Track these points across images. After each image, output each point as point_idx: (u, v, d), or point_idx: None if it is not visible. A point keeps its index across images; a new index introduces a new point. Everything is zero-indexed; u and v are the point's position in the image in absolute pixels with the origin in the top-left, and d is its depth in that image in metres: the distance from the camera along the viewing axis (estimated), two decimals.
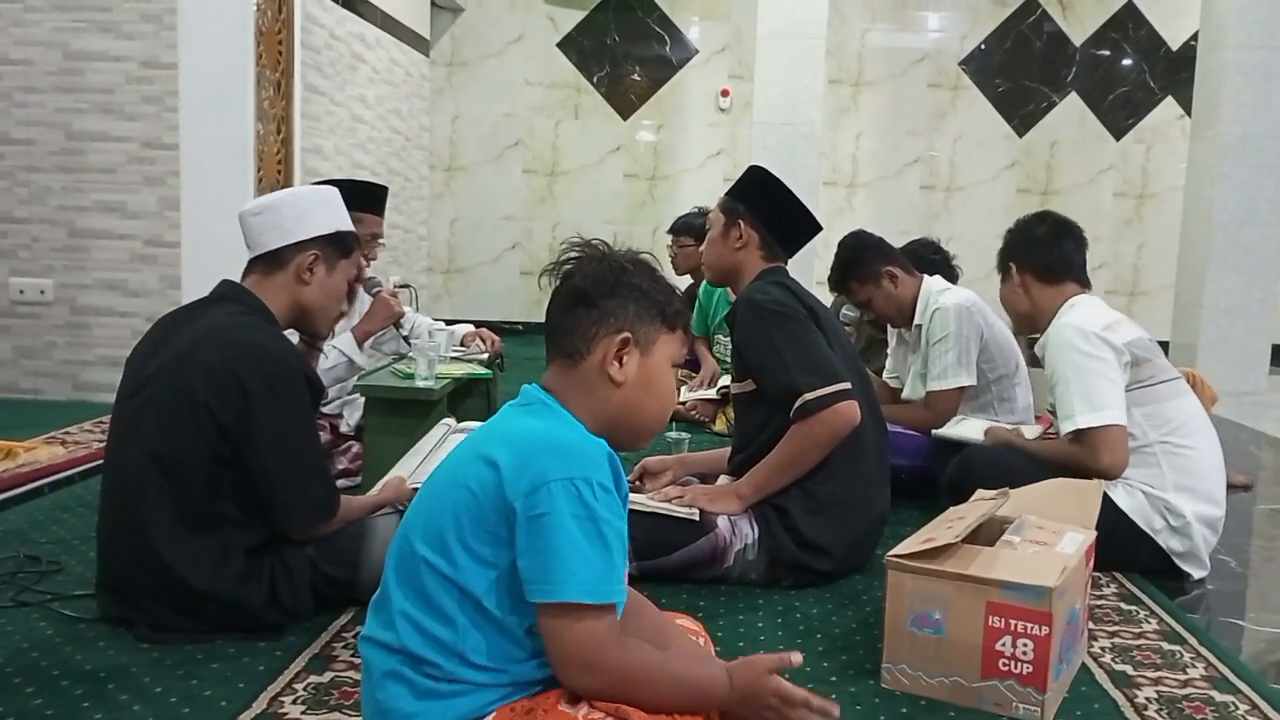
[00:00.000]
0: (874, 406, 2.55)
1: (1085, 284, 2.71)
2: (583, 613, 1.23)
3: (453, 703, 1.28)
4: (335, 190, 2.24)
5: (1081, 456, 2.45)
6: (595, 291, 1.38)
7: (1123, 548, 2.46)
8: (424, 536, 1.30)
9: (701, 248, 2.75)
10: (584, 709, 1.26)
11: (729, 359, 4.35)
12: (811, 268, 5.67)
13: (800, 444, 2.36)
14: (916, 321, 3.37)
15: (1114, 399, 2.44)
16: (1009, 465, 2.51)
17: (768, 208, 2.60)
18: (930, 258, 3.79)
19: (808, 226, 2.65)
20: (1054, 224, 2.75)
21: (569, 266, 1.41)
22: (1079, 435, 2.45)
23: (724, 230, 2.61)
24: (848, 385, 2.36)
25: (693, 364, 4.80)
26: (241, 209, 2.16)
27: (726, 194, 2.68)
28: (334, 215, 2.19)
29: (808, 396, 2.33)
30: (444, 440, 2.55)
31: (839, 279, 3.44)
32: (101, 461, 2.16)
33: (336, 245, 2.18)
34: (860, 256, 3.39)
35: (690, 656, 1.44)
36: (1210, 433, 2.60)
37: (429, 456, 2.43)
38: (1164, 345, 6.46)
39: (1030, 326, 2.79)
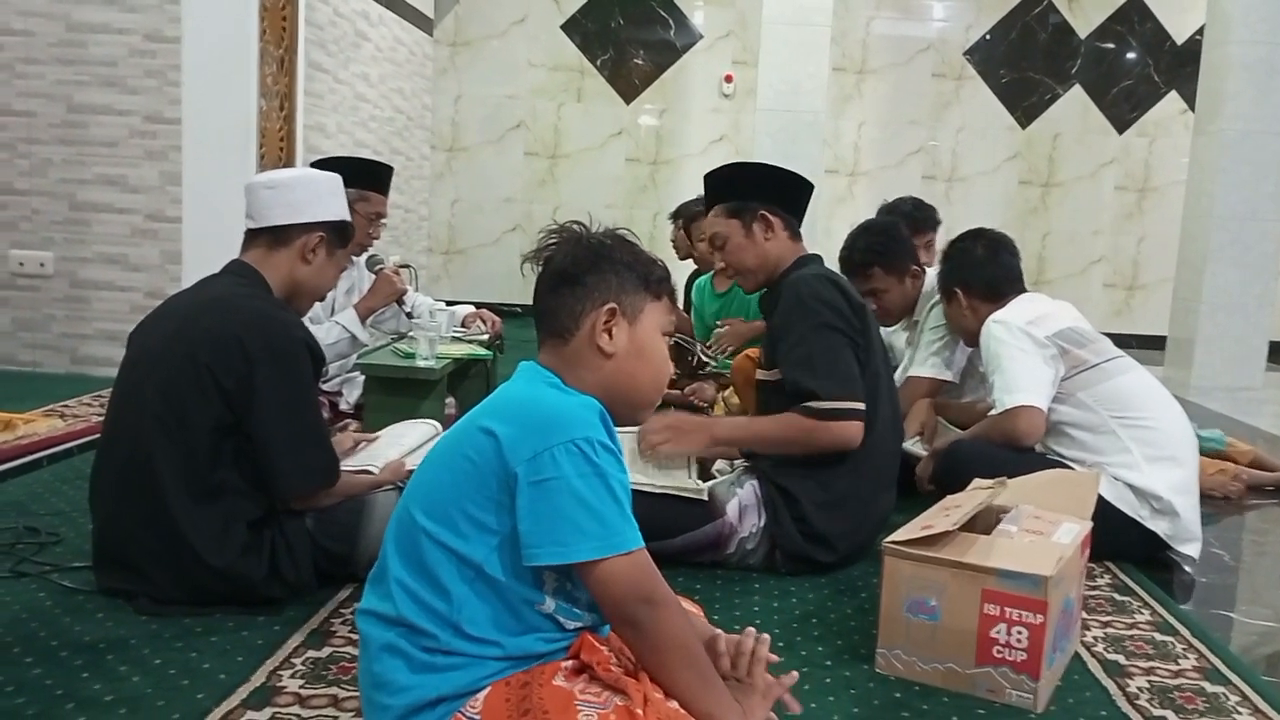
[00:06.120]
0: (895, 409, 2.56)
1: (1022, 290, 2.86)
2: (622, 558, 1.27)
3: (449, 675, 1.29)
4: (341, 180, 2.26)
5: (1002, 427, 2.62)
6: (577, 270, 1.40)
7: (1115, 534, 2.48)
8: (424, 507, 1.32)
9: (720, 263, 2.69)
10: (580, 683, 1.28)
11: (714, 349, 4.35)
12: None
13: (795, 434, 2.36)
14: (914, 317, 3.36)
15: (1029, 383, 2.59)
16: (993, 457, 2.53)
17: (775, 189, 2.55)
18: (915, 214, 3.89)
19: (803, 186, 2.61)
20: (989, 242, 2.90)
21: (549, 251, 1.44)
22: (1003, 413, 2.63)
23: (746, 231, 2.52)
24: (861, 406, 2.35)
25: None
26: (252, 179, 2.18)
27: (719, 204, 2.56)
28: (341, 205, 2.24)
29: (817, 404, 2.33)
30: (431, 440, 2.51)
31: (867, 262, 3.27)
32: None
33: (339, 234, 2.22)
34: (900, 248, 3.32)
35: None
36: (1168, 402, 2.67)
37: (415, 451, 2.40)
38: (1161, 340, 6.54)
39: (978, 340, 2.91)
